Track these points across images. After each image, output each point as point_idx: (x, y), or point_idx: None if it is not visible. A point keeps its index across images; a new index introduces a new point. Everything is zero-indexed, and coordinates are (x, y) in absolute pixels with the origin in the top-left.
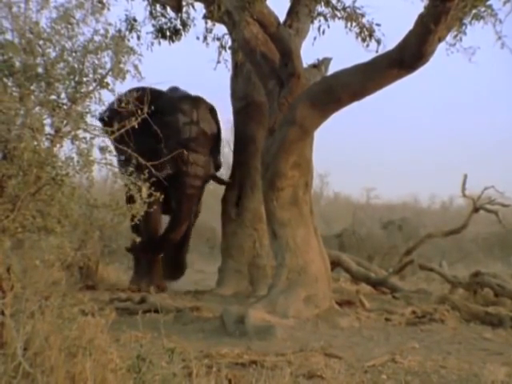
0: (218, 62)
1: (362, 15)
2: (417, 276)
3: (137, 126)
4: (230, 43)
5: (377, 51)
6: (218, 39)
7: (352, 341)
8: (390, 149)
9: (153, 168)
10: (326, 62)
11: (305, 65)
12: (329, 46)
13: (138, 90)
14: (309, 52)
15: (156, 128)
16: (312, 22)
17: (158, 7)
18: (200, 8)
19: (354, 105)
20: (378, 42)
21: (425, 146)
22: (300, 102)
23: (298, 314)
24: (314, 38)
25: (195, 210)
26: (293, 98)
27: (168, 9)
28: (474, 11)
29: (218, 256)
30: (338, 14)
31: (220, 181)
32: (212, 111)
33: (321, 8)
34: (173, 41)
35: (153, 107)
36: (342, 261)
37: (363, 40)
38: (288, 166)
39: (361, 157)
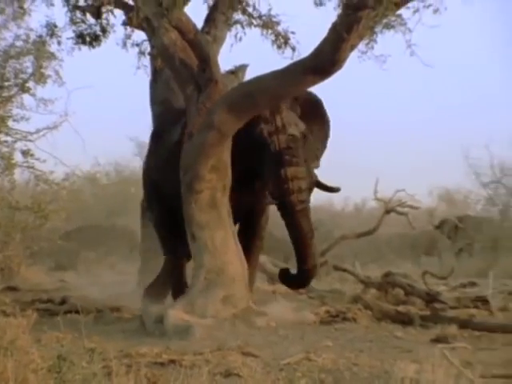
0: (138, 67)
1: (278, 23)
2: (331, 276)
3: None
4: (149, 49)
5: (292, 58)
6: (137, 45)
7: (268, 340)
8: None
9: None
10: (242, 68)
11: (222, 71)
12: (245, 53)
13: None
14: (226, 58)
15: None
16: (229, 29)
17: (78, 13)
18: (119, 14)
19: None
20: (293, 49)
21: (337, 150)
22: (218, 107)
23: (216, 313)
24: (231, 45)
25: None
26: (211, 103)
27: (88, 15)
28: (384, 20)
29: (138, 257)
30: (254, 22)
31: (328, 188)
32: (294, 108)
33: (237, 16)
34: (93, 46)
35: None
36: (259, 262)
37: (279, 47)
38: (206, 170)
39: None
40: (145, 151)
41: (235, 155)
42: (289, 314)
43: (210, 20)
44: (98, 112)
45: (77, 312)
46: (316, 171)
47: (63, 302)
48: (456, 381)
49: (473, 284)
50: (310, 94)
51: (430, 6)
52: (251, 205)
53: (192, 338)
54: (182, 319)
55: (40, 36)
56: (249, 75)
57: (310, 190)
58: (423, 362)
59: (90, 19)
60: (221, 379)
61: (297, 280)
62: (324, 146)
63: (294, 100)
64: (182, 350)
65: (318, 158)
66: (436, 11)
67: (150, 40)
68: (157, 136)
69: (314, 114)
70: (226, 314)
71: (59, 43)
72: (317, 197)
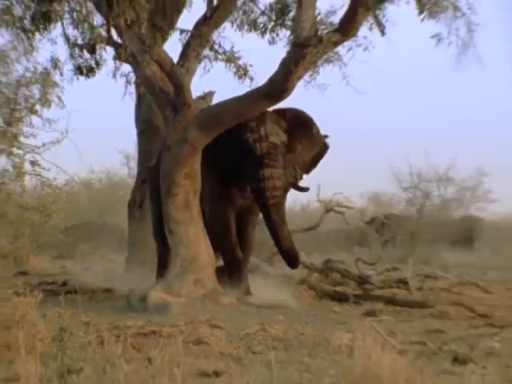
0: (125, 93)
1: (239, 58)
2: (282, 263)
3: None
4: (134, 79)
5: (250, 86)
6: (125, 76)
7: (231, 315)
8: None
9: (236, 184)
10: (210, 94)
11: (194, 96)
12: (213, 82)
13: None
14: (197, 86)
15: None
16: (199, 62)
17: (77, 50)
18: (110, 50)
19: None
20: (251, 79)
21: None
22: (190, 126)
23: (189, 294)
24: (201, 76)
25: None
26: (185, 122)
27: (84, 51)
28: (324, 56)
29: (125, 249)
30: (220, 57)
31: (300, 188)
32: (279, 121)
33: (206, 52)
34: (89, 77)
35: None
36: None
37: (239, 77)
38: (181, 177)
39: None
40: (131, 162)
41: (228, 157)
42: (274, 298)
43: (183, 55)
44: (92, 129)
45: (75, 292)
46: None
47: (64, 284)
48: (382, 346)
49: (395, 269)
50: (299, 111)
51: (360, 45)
52: (247, 208)
53: (169, 313)
54: (161, 298)
55: (45, 68)
56: (215, 100)
57: (285, 189)
58: (356, 331)
59: (86, 54)
60: (192, 347)
61: (285, 260)
62: (314, 153)
63: (279, 115)
64: (161, 323)
65: (305, 163)
66: (365, 49)
67: (135, 71)
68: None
69: (303, 128)
70: (197, 294)
71: (61, 74)
72: None
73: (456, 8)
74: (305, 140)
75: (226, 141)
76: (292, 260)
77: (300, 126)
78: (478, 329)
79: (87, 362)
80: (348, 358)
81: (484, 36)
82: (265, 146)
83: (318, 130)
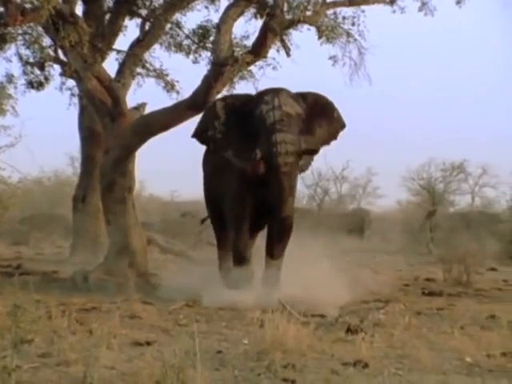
0: (70, 104)
1: (167, 75)
2: (205, 249)
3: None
4: (77, 92)
5: (177, 99)
6: (70, 89)
7: (161, 293)
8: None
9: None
10: (143, 105)
11: (129, 107)
12: (145, 95)
13: (224, 98)
14: (132, 98)
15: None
16: (133, 78)
17: (29, 67)
18: (57, 68)
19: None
20: (178, 92)
21: None
22: (126, 132)
23: (124, 274)
24: (135, 90)
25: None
26: (121, 130)
27: (35, 68)
28: (239, 74)
29: (70, 237)
30: (151, 74)
31: (312, 151)
32: (297, 99)
33: (139, 69)
34: (39, 90)
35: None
36: (154, 239)
37: (168, 91)
38: (117, 175)
39: (167, 168)
40: (75, 163)
41: (245, 131)
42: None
43: (120, 72)
44: (42, 135)
45: (28, 274)
46: None
47: (18, 267)
48: (288, 319)
49: None
50: (321, 96)
51: (270, 64)
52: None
53: (108, 291)
54: (101, 279)
55: (1, 82)
56: (147, 110)
57: (297, 155)
58: (266, 308)
59: (37, 71)
60: (128, 320)
61: (278, 230)
62: (332, 136)
63: (300, 96)
64: (101, 300)
65: (320, 143)
66: (274, 68)
67: (78, 86)
68: None
69: (324, 112)
70: (131, 275)
71: (15, 87)
72: (197, 194)
73: (349, 34)
74: (324, 123)
75: (242, 118)
76: (285, 228)
77: (320, 109)
78: (368, 303)
79: (38, 334)
80: (259, 329)
81: (372, 58)
82: (278, 113)
83: (338, 114)
